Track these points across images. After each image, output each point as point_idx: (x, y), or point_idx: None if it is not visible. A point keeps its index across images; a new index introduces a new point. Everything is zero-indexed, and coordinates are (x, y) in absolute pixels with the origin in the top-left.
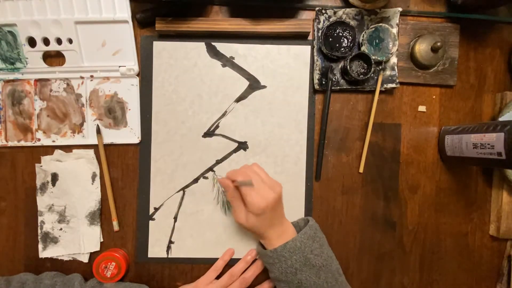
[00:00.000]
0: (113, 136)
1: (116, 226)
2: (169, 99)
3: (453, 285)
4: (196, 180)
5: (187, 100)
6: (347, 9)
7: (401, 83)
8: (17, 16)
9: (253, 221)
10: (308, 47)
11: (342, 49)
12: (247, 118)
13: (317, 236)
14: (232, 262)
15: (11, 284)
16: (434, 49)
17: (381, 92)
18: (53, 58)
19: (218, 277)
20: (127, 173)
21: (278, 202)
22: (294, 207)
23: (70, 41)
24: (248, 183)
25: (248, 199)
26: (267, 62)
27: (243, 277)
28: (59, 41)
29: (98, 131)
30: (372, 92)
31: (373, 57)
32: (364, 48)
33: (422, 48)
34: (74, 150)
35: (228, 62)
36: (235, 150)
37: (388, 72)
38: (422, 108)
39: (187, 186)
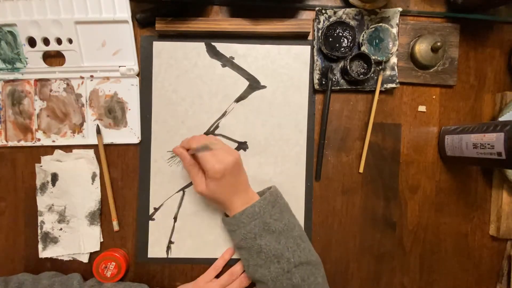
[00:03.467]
0: (113, 136)
1: (116, 226)
2: (169, 99)
3: (453, 285)
4: None
5: (187, 100)
6: (347, 9)
7: (401, 83)
8: (17, 16)
9: (214, 188)
10: (308, 47)
11: (342, 49)
12: (247, 118)
13: (278, 202)
14: (232, 262)
15: (9, 285)
16: (434, 49)
17: (381, 92)
18: (53, 58)
19: (218, 276)
20: (127, 173)
21: (237, 167)
22: (294, 207)
23: (70, 41)
24: (204, 148)
25: (206, 165)
26: (267, 62)
27: (243, 276)
28: (59, 41)
29: (98, 131)
30: (372, 92)
31: (373, 57)
32: (364, 48)
33: (422, 48)
34: (74, 150)
35: (228, 62)
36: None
37: (388, 72)
38: (422, 108)
39: (187, 186)
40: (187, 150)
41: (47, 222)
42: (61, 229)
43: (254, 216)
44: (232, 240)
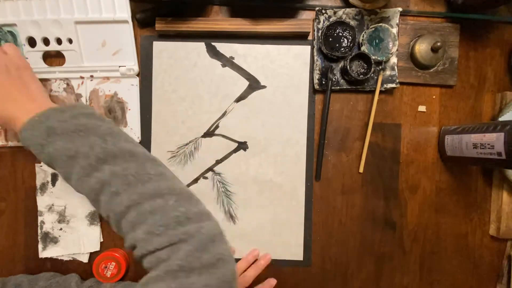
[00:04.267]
0: None
1: None
2: (169, 99)
3: (453, 285)
4: (196, 180)
5: (187, 100)
6: (347, 9)
7: (401, 83)
8: (17, 16)
9: None
10: (308, 47)
11: (342, 49)
12: (247, 118)
13: (72, 107)
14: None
15: (6, 286)
16: (434, 49)
17: (381, 92)
18: (53, 58)
19: None
20: None
21: (9, 71)
22: (294, 207)
23: (70, 41)
24: None
25: None
26: (267, 62)
27: (243, 276)
28: (59, 41)
29: None
30: (372, 92)
31: (373, 57)
32: (364, 48)
33: (422, 48)
34: None
35: (228, 62)
36: (235, 150)
37: (388, 72)
38: (422, 108)
39: (187, 186)
40: None
41: (47, 222)
42: (61, 229)
43: (35, 127)
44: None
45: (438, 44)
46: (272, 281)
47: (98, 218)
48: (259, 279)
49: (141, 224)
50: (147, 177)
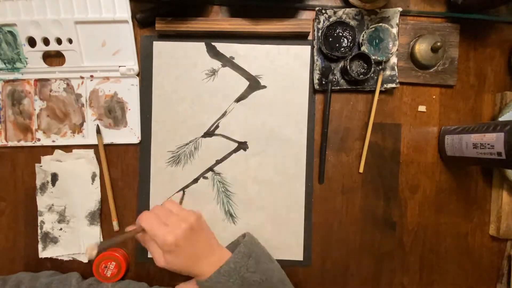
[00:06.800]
0: (113, 136)
1: (116, 226)
2: (169, 99)
3: (453, 285)
4: (196, 180)
5: (187, 100)
6: (347, 9)
7: (401, 83)
8: (17, 16)
9: (173, 260)
10: (308, 47)
11: (342, 49)
12: (247, 118)
13: (253, 252)
14: None
15: (7, 283)
16: (434, 49)
17: (381, 92)
18: (53, 58)
19: None
20: (127, 173)
21: (193, 232)
22: (294, 207)
23: (70, 41)
24: (135, 233)
25: (156, 239)
26: (267, 62)
27: None
28: (59, 41)
29: (98, 131)
30: (372, 92)
31: (373, 57)
32: (364, 48)
33: (422, 48)
34: (74, 150)
35: (228, 62)
36: (235, 150)
37: (388, 72)
38: (422, 108)
39: (187, 186)
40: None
41: (47, 222)
42: (61, 229)
43: (230, 274)
44: None
45: (438, 44)
46: None
47: (98, 218)
48: None
49: None
50: None
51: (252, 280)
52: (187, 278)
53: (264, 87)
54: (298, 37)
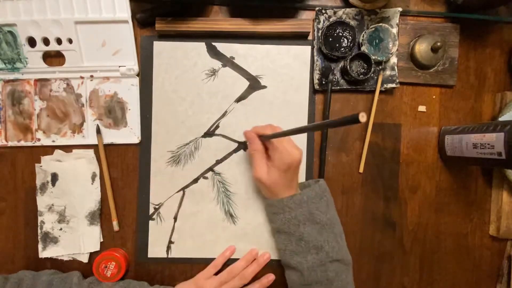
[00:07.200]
0: (113, 136)
1: (116, 226)
2: (169, 99)
3: (453, 285)
4: (196, 180)
5: (187, 100)
6: (347, 9)
7: (401, 83)
8: (17, 16)
9: (276, 177)
10: (308, 47)
11: (342, 49)
12: (247, 118)
13: (325, 196)
14: (231, 262)
15: (9, 281)
16: (434, 49)
17: (381, 92)
18: (53, 58)
19: (217, 274)
20: (127, 173)
21: (299, 163)
22: None
23: (70, 41)
24: (279, 136)
25: (276, 153)
26: (267, 62)
27: (242, 274)
28: (59, 41)
29: (98, 131)
30: (372, 92)
31: (373, 57)
32: (364, 48)
33: (422, 48)
34: (74, 150)
35: (228, 62)
36: (235, 150)
37: (388, 72)
38: (422, 108)
39: (187, 186)
40: (259, 136)
41: (47, 222)
42: (61, 229)
43: (301, 204)
44: (272, 223)
45: (438, 44)
46: (271, 277)
47: (98, 218)
48: (258, 277)
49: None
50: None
51: (318, 219)
52: (187, 278)
53: (264, 87)
54: (298, 37)
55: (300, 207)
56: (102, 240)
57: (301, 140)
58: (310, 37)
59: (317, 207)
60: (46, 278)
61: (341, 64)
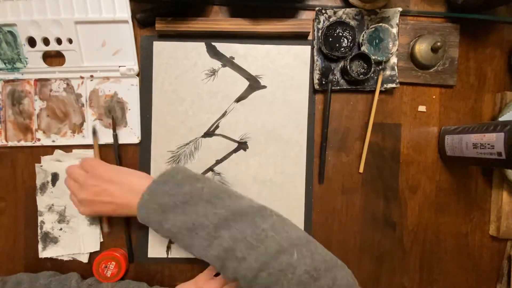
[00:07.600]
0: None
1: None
2: (169, 99)
3: (453, 285)
4: None
5: (187, 100)
6: (347, 9)
7: (401, 83)
8: (17, 16)
9: (84, 198)
10: (308, 47)
11: (342, 49)
12: (247, 118)
13: (171, 176)
14: None
15: (6, 284)
16: (434, 49)
17: (381, 92)
18: (53, 58)
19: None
20: None
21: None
22: (294, 207)
23: (70, 41)
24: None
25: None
26: (267, 62)
27: None
28: (59, 41)
29: (94, 133)
30: (372, 92)
31: (373, 57)
32: (364, 48)
33: (422, 48)
34: (74, 150)
35: (228, 62)
36: (235, 150)
37: (388, 72)
38: (422, 108)
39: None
40: None
41: (47, 222)
42: (61, 229)
43: (148, 205)
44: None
45: (438, 44)
46: None
47: (98, 218)
48: None
49: (275, 286)
50: (264, 234)
51: (173, 203)
52: (187, 278)
53: (264, 87)
54: (298, 37)
55: (148, 208)
56: (102, 240)
57: (301, 140)
58: (310, 37)
59: (163, 194)
60: (43, 281)
61: (341, 64)
